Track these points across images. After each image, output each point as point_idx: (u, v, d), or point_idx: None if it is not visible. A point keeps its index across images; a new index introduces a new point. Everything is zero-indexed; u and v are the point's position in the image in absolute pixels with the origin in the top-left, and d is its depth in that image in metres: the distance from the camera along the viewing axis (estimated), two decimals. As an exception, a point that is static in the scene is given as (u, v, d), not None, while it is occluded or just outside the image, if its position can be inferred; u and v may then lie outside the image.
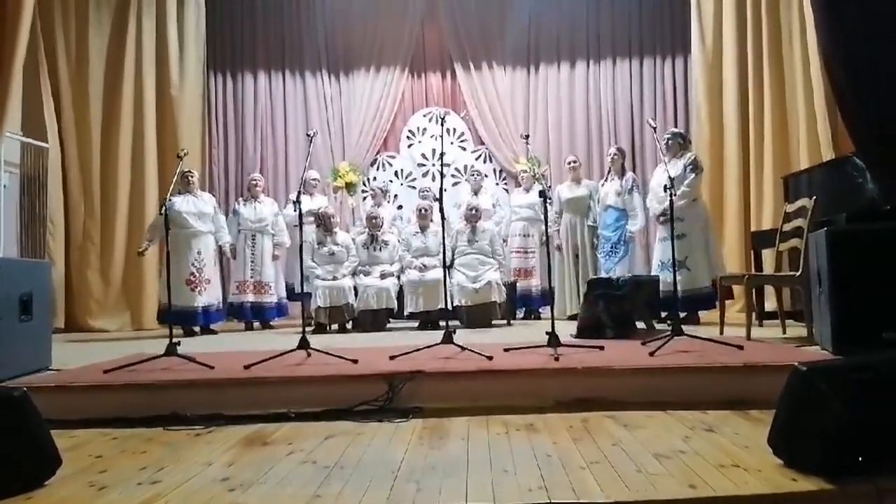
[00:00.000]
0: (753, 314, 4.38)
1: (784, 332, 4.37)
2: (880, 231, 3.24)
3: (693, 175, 5.20)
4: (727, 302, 5.14)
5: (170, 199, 5.35)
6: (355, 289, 5.65)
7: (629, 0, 7.38)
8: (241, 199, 6.27)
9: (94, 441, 2.44)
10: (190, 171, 5.81)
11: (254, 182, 6.23)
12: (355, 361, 3.10)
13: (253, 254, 6.05)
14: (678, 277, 4.88)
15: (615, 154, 5.90)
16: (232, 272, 6.16)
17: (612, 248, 5.77)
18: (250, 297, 6.03)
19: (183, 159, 3.84)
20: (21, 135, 6.43)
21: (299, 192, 3.96)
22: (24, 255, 6.39)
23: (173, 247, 5.44)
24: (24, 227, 6.54)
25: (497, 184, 7.40)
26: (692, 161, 5.27)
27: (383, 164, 7.53)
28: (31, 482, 1.85)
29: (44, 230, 6.56)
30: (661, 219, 5.27)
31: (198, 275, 5.65)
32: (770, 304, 5.47)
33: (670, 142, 5.38)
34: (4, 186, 6.17)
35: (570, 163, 6.32)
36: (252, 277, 6.03)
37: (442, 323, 3.74)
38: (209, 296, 5.70)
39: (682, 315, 4.98)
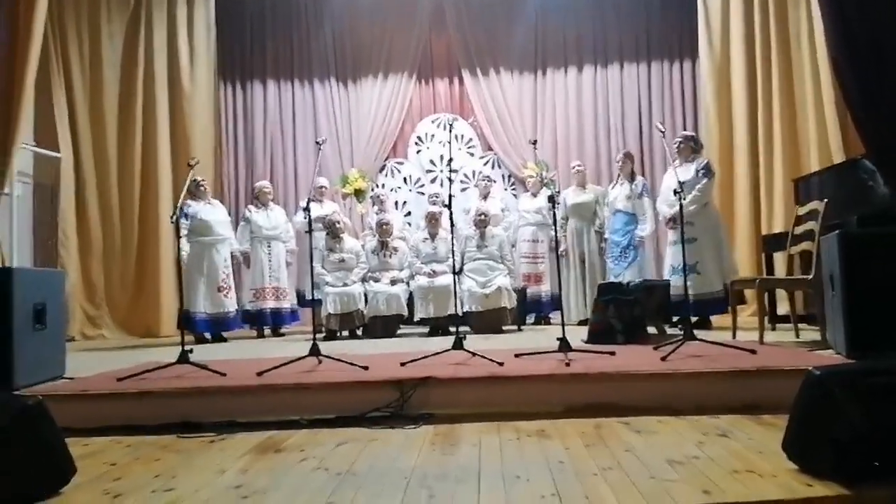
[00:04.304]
0: (766, 318, 4.35)
1: (797, 336, 4.34)
2: (893, 234, 3.21)
3: (706, 179, 5.14)
4: (739, 306, 5.10)
5: (186, 207, 5.45)
6: (365, 295, 5.66)
7: (636, 4, 7.38)
8: (251, 206, 6.29)
9: (108, 449, 2.46)
10: (202, 179, 5.86)
11: (266, 189, 6.27)
12: (366, 368, 3.11)
13: (270, 260, 6.09)
14: (689, 282, 4.86)
15: (623, 158, 5.88)
16: (245, 280, 6.17)
17: (621, 252, 5.74)
18: (270, 304, 6.07)
19: (194, 168, 3.88)
20: (34, 145, 6.50)
21: (309, 200, 3.98)
22: (38, 264, 6.45)
23: (201, 254, 5.57)
24: (37, 236, 6.61)
25: (506, 189, 7.40)
26: (705, 165, 5.21)
27: (392, 171, 7.56)
28: (47, 490, 1.87)
29: (56, 239, 6.63)
30: (671, 223, 5.22)
31: (227, 280, 5.75)
32: (782, 308, 5.43)
33: (682, 145, 5.32)
34: (17, 196, 6.24)
35: (575, 168, 6.32)
36: (271, 283, 6.07)
37: (452, 329, 3.74)
38: (232, 302, 5.81)
39: (693, 319, 4.96)
